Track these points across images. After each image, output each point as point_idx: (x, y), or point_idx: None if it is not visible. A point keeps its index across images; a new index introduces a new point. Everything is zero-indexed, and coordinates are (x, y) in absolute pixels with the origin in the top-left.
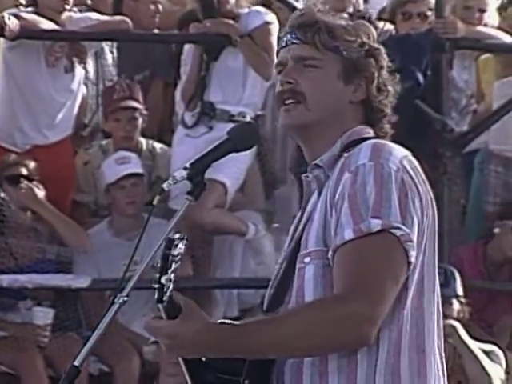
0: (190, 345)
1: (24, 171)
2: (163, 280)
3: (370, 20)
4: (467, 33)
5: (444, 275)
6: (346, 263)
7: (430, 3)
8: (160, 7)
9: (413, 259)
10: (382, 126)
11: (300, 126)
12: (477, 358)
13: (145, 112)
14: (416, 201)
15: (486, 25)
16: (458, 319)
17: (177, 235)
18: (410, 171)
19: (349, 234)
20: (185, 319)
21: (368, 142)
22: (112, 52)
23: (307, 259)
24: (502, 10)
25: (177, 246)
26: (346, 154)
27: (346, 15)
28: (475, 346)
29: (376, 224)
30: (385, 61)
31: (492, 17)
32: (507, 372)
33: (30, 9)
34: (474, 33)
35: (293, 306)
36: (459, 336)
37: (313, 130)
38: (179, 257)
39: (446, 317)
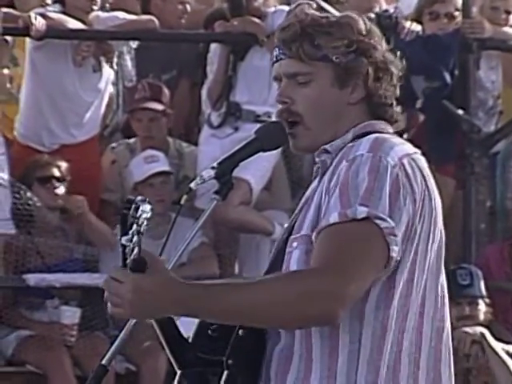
0: (152, 299)
1: (56, 172)
2: (123, 241)
3: (396, 20)
4: (494, 33)
5: (470, 276)
6: (325, 244)
7: (458, 3)
8: (188, 7)
9: (394, 254)
10: (390, 115)
11: (307, 149)
12: (504, 363)
13: (169, 111)
14: (408, 199)
15: None
16: (482, 321)
17: (139, 197)
18: (408, 169)
19: (334, 218)
20: (149, 272)
21: (372, 135)
22: (130, 53)
23: (295, 244)
24: None
25: (138, 208)
26: (349, 144)
27: (331, 17)
28: (502, 350)
29: (362, 211)
30: (378, 50)
31: None
32: None
33: (57, 7)
34: (500, 33)
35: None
36: (488, 343)
37: (320, 145)
38: (143, 220)
39: (472, 317)
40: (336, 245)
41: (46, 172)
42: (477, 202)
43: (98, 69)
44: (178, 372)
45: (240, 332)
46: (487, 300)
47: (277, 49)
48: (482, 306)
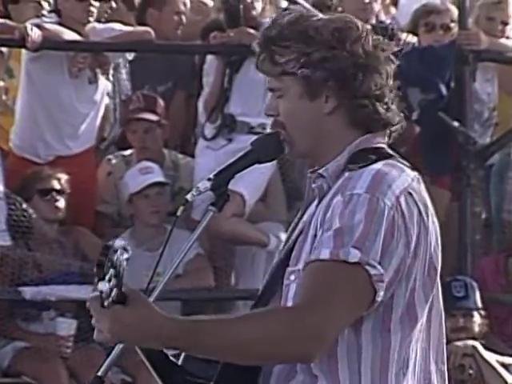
0: (133, 331)
1: (57, 185)
2: (99, 286)
3: (392, 31)
4: (490, 45)
5: (464, 287)
6: (312, 279)
7: (453, 15)
8: (184, 18)
9: (379, 299)
10: (366, 116)
11: (296, 157)
12: (499, 374)
13: (164, 122)
14: (401, 242)
15: (508, 37)
16: (477, 333)
17: (116, 242)
18: (405, 210)
19: (324, 254)
20: (130, 305)
21: (371, 167)
22: (125, 66)
23: (292, 277)
24: None
25: (116, 251)
26: (347, 174)
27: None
28: (496, 362)
29: (354, 255)
30: (340, 58)
31: None
32: None
33: (53, 18)
34: (496, 45)
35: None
36: (480, 354)
37: (309, 154)
38: (120, 262)
39: (466, 329)
40: (322, 284)
41: (47, 185)
42: (472, 214)
43: (93, 80)
44: None
45: None
46: (482, 312)
47: None
48: (477, 318)
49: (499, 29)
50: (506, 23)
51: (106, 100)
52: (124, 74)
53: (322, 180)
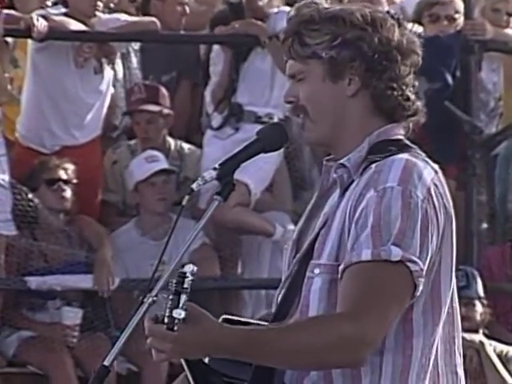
0: (194, 349)
1: (64, 175)
2: (175, 314)
3: (399, 21)
4: (496, 35)
5: (466, 277)
6: (357, 282)
7: (458, 6)
8: (187, 8)
9: (418, 293)
10: (392, 106)
11: (316, 143)
12: (500, 374)
13: (167, 112)
14: (434, 234)
15: None
16: (479, 322)
17: (188, 268)
18: (435, 201)
19: (366, 255)
20: (191, 322)
21: (399, 157)
22: (136, 55)
23: (317, 270)
24: None
25: (187, 278)
26: (374, 166)
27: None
28: (499, 361)
29: (396, 254)
30: (368, 41)
31: None
32: None
33: (59, 9)
34: (502, 35)
35: (298, 317)
36: (486, 352)
37: (329, 140)
38: (189, 288)
39: (468, 318)
40: (366, 286)
41: (54, 175)
42: (478, 204)
43: (99, 70)
44: None
45: None
46: (484, 301)
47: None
48: (479, 307)
49: (504, 19)
50: (511, 14)
51: (119, 88)
52: (135, 63)
53: (342, 170)
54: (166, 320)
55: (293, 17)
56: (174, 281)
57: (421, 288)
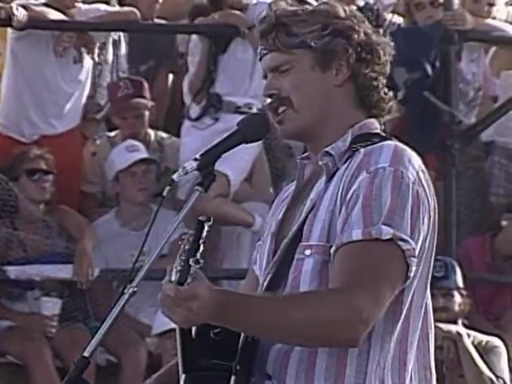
0: (211, 303)
1: (44, 165)
2: (191, 262)
3: (377, 11)
4: (476, 25)
5: (444, 268)
6: (348, 262)
7: None
8: None
9: (411, 274)
10: (376, 99)
11: (296, 133)
12: (476, 365)
13: (151, 104)
14: (425, 216)
15: (494, 18)
16: (458, 313)
17: (203, 217)
18: (425, 184)
19: (357, 235)
20: (198, 280)
21: (389, 143)
22: (127, 44)
23: (308, 251)
24: None
25: (204, 227)
26: (363, 151)
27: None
28: (476, 353)
29: (387, 232)
30: (357, 31)
31: (501, 11)
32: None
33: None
34: (482, 25)
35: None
36: (463, 344)
37: (309, 130)
38: (204, 239)
39: (447, 309)
40: (359, 265)
41: (36, 165)
42: (459, 194)
43: (78, 60)
44: (183, 375)
45: (249, 338)
46: (463, 292)
47: (259, 46)
48: (458, 298)
49: (485, 10)
50: (491, 4)
51: (107, 72)
52: (123, 51)
53: (327, 158)
54: (175, 276)
55: (272, 10)
56: (194, 228)
57: (414, 268)
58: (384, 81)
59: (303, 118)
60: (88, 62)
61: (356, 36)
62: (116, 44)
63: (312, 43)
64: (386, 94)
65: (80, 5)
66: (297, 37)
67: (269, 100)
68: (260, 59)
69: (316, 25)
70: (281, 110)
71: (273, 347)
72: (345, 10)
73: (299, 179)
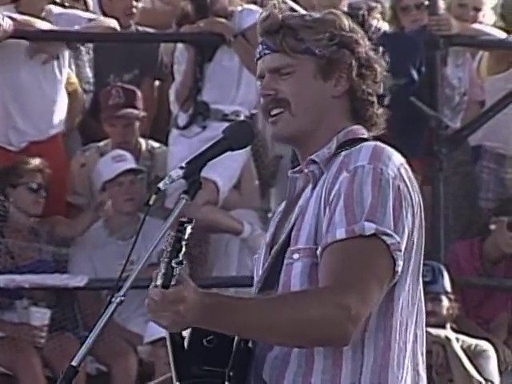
0: (198, 305)
1: (41, 179)
2: (173, 263)
3: (363, 17)
4: (461, 30)
5: (432, 272)
6: (334, 261)
7: None
8: (134, 3)
9: (399, 269)
10: (370, 114)
11: (289, 136)
12: (465, 369)
13: (143, 115)
14: (409, 211)
15: (480, 23)
16: (446, 317)
17: (185, 218)
18: (406, 180)
19: (340, 234)
20: (183, 283)
21: (368, 143)
22: (88, 53)
23: (296, 255)
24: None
25: (186, 228)
26: (344, 153)
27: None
28: (465, 357)
29: (370, 228)
30: (361, 45)
31: (487, 16)
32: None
33: (11, 10)
34: (467, 30)
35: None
36: (452, 348)
37: (302, 135)
38: (187, 240)
39: (435, 313)
40: (344, 263)
41: (35, 179)
42: (447, 198)
43: (58, 65)
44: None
45: (242, 344)
46: (451, 296)
47: (260, 45)
48: (446, 302)
49: (471, 15)
50: (478, 9)
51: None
52: (86, 61)
53: (313, 166)
54: (160, 280)
55: (277, 7)
56: (175, 230)
57: (401, 263)
58: (376, 98)
59: (298, 123)
60: (66, 59)
61: (359, 50)
62: (75, 55)
63: (317, 51)
64: (377, 109)
65: (51, 7)
66: (303, 42)
67: (263, 100)
68: (259, 58)
69: (324, 33)
70: (276, 111)
71: (269, 354)
72: (348, 22)
73: (290, 192)
